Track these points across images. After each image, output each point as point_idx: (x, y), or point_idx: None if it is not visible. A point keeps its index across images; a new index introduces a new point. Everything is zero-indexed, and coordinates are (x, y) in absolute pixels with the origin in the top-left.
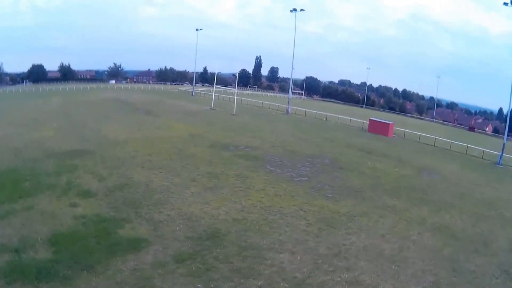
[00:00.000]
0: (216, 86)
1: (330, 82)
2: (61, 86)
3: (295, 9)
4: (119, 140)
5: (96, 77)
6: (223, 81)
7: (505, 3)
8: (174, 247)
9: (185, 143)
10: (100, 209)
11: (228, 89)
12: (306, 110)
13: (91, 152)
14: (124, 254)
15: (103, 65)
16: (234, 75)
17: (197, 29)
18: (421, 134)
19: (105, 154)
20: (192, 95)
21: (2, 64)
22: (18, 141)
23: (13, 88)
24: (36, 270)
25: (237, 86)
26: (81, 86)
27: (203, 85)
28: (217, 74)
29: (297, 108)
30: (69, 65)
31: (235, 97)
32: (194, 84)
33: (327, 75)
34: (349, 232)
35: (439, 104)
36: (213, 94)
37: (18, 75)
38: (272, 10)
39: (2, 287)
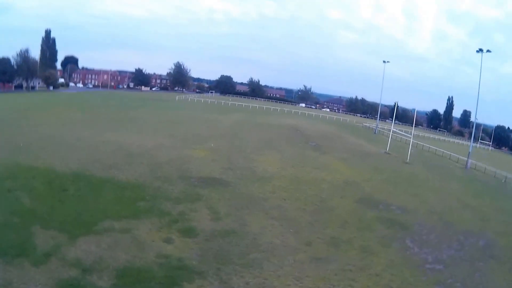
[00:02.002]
0: (401, 124)
1: None
2: (245, 103)
3: (481, 50)
4: (265, 175)
5: (286, 97)
6: (413, 119)
7: None
8: None
9: (332, 192)
10: (188, 254)
11: (414, 131)
12: (486, 167)
13: (227, 183)
14: None
15: (293, 85)
16: (426, 114)
17: (384, 61)
18: None
19: (239, 189)
20: (375, 133)
21: (190, 70)
22: (164, 156)
23: (195, 97)
24: None
25: (427, 127)
26: (266, 105)
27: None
28: (408, 111)
29: (477, 163)
30: (259, 81)
31: (411, 142)
32: (378, 120)
33: None
34: None
35: None
36: (390, 136)
37: (208, 82)
38: (468, 46)
39: None
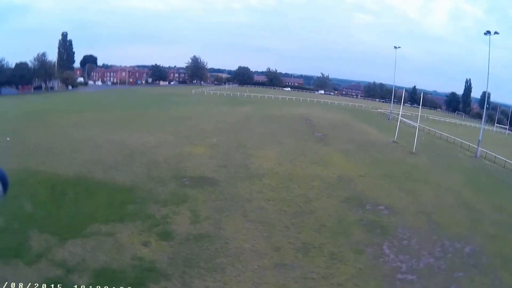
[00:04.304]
0: (419, 107)
1: None
2: (260, 94)
3: (488, 32)
4: (259, 172)
5: (304, 84)
6: (432, 103)
7: None
8: None
9: (321, 191)
10: (161, 257)
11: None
12: (497, 155)
13: (217, 183)
14: None
15: (312, 71)
16: (446, 96)
17: (395, 47)
18: None
19: (226, 189)
20: (389, 119)
21: (207, 63)
22: (164, 154)
23: (212, 90)
24: None
25: (446, 110)
26: (282, 95)
27: (411, 106)
28: (426, 94)
29: (488, 151)
30: (276, 70)
31: (417, 131)
32: (391, 106)
33: None
34: None
35: None
36: (398, 124)
37: (228, 72)
38: (485, 24)
39: None
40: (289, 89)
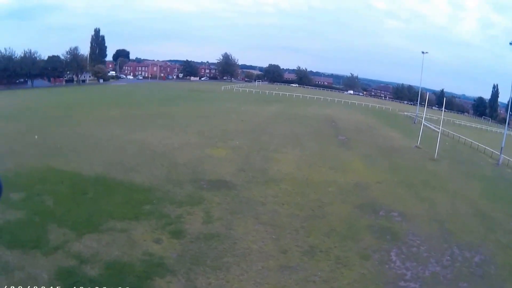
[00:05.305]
0: (446, 111)
1: None
2: (289, 92)
3: None
4: (276, 176)
5: (334, 83)
6: (460, 107)
7: None
8: None
9: (336, 196)
10: (171, 253)
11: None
12: None
13: (233, 186)
14: None
15: (342, 71)
16: (474, 100)
17: (422, 52)
18: None
19: (242, 193)
20: (414, 123)
21: (237, 60)
22: (185, 156)
23: (241, 87)
24: (75, 281)
25: (473, 115)
26: (311, 94)
27: (439, 109)
28: (454, 98)
29: (510, 159)
30: (306, 69)
31: (439, 137)
32: (417, 109)
33: None
34: None
35: None
36: (421, 128)
37: (260, 69)
38: None
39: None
40: (296, 85)
